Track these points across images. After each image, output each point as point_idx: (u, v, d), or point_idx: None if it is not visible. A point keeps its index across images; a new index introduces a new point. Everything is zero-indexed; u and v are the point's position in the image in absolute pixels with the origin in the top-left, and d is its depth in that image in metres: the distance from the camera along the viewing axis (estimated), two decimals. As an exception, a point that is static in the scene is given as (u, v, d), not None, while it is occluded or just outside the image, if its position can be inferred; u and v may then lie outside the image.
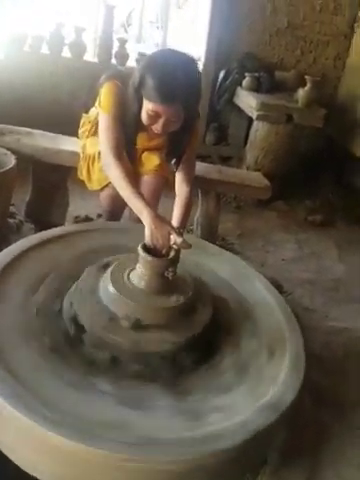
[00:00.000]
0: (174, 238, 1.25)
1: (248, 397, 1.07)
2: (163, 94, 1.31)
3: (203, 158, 3.07)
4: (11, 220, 2.10)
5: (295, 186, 3.23)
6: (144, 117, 1.42)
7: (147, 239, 1.24)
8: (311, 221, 2.99)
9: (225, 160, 3.33)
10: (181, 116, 1.40)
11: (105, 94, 1.49)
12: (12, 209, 2.21)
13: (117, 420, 0.96)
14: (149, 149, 1.72)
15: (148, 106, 1.37)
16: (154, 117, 1.39)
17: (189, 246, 1.23)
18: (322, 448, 1.33)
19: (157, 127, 1.41)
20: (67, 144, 2.00)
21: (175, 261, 1.21)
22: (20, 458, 0.99)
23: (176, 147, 1.56)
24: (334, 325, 2.00)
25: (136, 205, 1.34)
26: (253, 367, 1.17)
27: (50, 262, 1.34)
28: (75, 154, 1.87)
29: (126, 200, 1.39)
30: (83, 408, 0.97)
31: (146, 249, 1.21)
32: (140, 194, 1.37)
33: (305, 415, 1.42)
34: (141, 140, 1.62)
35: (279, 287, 2.04)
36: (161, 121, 1.39)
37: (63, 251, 1.41)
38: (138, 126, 1.49)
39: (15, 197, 2.20)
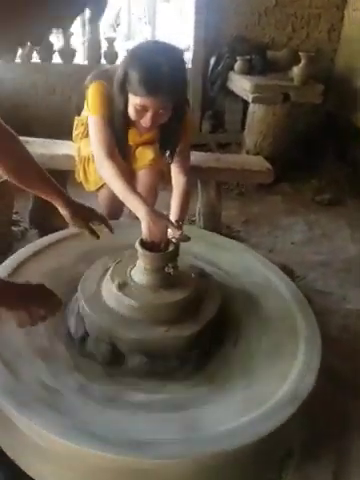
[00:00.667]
0: (172, 232, 1.22)
1: (261, 391, 1.04)
2: (148, 87, 1.28)
3: (200, 147, 3.01)
4: (15, 228, 2.11)
5: (298, 167, 3.15)
6: (131, 112, 1.39)
7: (144, 234, 1.21)
8: (319, 201, 2.91)
9: (223, 147, 3.27)
10: (169, 107, 1.36)
11: (92, 95, 1.47)
12: (17, 217, 2.23)
13: (125, 419, 0.94)
14: (142, 144, 1.68)
15: (135, 101, 1.34)
16: (141, 111, 1.36)
17: (188, 239, 1.20)
18: (349, 439, 1.28)
19: (146, 121, 1.37)
20: (62, 148, 1.98)
21: (175, 255, 1.18)
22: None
23: (169, 139, 1.52)
24: (352, 308, 1.95)
25: (132, 202, 1.32)
26: (265, 359, 1.13)
27: (51, 267, 1.34)
28: (71, 157, 1.85)
29: (121, 198, 1.36)
30: (87, 409, 0.95)
31: (144, 245, 1.18)
32: (135, 191, 1.35)
33: (326, 403, 1.38)
34: (132, 136, 1.58)
35: (290, 272, 1.99)
36: (149, 114, 1.36)
37: (64, 255, 1.41)
38: (127, 123, 1.46)
39: (19, 205, 2.20)
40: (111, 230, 1.34)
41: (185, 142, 1.56)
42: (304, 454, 1.22)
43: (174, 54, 1.32)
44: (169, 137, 1.51)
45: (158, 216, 1.24)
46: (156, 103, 1.33)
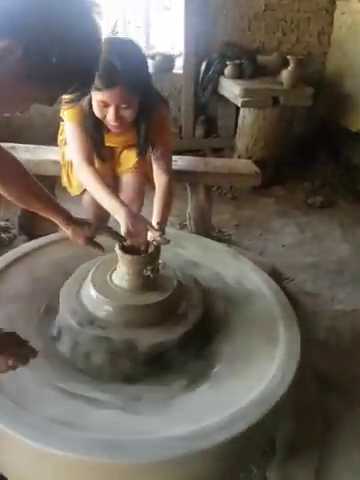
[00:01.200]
0: (152, 234, 1.22)
1: (241, 390, 1.03)
2: (101, 80, 1.27)
3: (194, 152, 3.03)
4: (5, 235, 2.13)
5: (291, 170, 3.16)
6: (96, 111, 1.39)
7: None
8: (311, 203, 2.91)
9: (217, 152, 3.28)
10: (132, 102, 1.35)
11: None
12: (7, 224, 2.24)
13: (106, 422, 0.94)
14: (127, 146, 1.69)
15: (96, 97, 1.35)
16: (104, 108, 1.36)
17: (167, 242, 1.21)
18: (332, 437, 1.28)
19: (110, 117, 1.37)
20: (48, 154, 2.00)
21: (154, 258, 1.18)
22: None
23: (143, 136, 1.51)
24: (340, 308, 1.95)
25: (111, 205, 1.32)
26: (246, 359, 1.13)
27: (31, 275, 1.34)
28: (57, 163, 1.86)
29: (101, 202, 1.38)
30: (69, 413, 0.94)
31: (124, 248, 1.18)
32: (114, 194, 1.36)
33: (312, 404, 1.38)
34: (111, 138, 1.59)
35: (278, 274, 1.98)
36: (111, 110, 1.35)
37: (44, 261, 1.41)
38: (99, 124, 1.47)
39: (8, 212, 2.22)
40: (121, 240, 1.21)
41: (164, 141, 1.54)
42: (288, 452, 1.22)
43: (128, 47, 1.32)
44: (143, 134, 1.50)
45: (137, 218, 1.25)
46: (114, 96, 1.31)
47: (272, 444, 1.24)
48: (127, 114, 1.37)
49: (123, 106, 1.35)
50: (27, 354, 0.89)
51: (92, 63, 0.77)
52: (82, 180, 1.47)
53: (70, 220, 1.21)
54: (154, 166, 1.54)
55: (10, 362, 0.85)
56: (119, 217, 1.26)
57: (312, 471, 1.17)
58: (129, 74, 1.28)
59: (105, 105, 1.35)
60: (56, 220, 1.20)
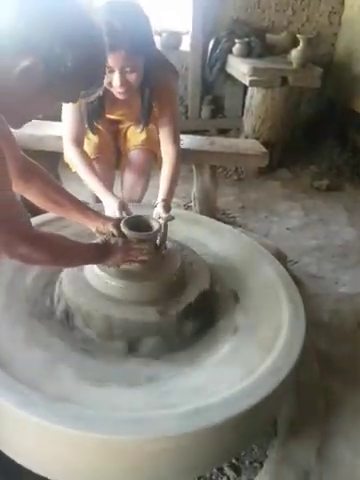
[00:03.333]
0: (159, 211, 1.22)
1: (245, 367, 1.03)
2: None
3: (200, 133, 2.98)
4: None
5: (298, 152, 3.12)
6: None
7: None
8: (317, 187, 2.88)
9: (224, 133, 3.23)
10: (136, 65, 1.31)
11: None
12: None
13: (108, 398, 0.94)
14: (132, 119, 1.66)
15: None
16: (109, 74, 1.32)
17: (172, 218, 1.22)
18: (333, 418, 1.28)
19: (116, 82, 1.33)
20: (51, 130, 1.96)
21: (163, 234, 1.18)
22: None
23: (147, 101, 1.48)
24: (344, 291, 1.94)
25: (93, 186, 1.39)
26: (249, 335, 1.13)
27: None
28: (59, 138, 1.82)
29: (86, 184, 1.43)
30: (71, 389, 0.94)
31: (129, 226, 1.17)
32: (99, 180, 1.41)
33: (314, 385, 1.38)
34: (114, 110, 1.57)
35: (282, 257, 1.96)
36: (116, 75, 1.31)
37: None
38: (104, 96, 1.43)
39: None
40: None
41: (171, 112, 1.49)
42: (289, 432, 1.22)
43: (128, 9, 1.28)
44: (145, 100, 1.47)
45: (125, 205, 1.29)
46: (118, 59, 1.27)
47: (274, 424, 1.25)
48: (133, 78, 1.33)
49: (128, 69, 1.31)
50: (138, 257, 1.11)
51: (101, 54, 0.86)
52: (69, 158, 1.51)
53: (97, 217, 1.19)
54: (161, 139, 1.50)
55: (129, 258, 1.09)
56: (101, 197, 1.34)
57: (313, 451, 1.17)
58: (131, 35, 1.24)
59: (110, 71, 1.31)
60: (86, 223, 1.20)
